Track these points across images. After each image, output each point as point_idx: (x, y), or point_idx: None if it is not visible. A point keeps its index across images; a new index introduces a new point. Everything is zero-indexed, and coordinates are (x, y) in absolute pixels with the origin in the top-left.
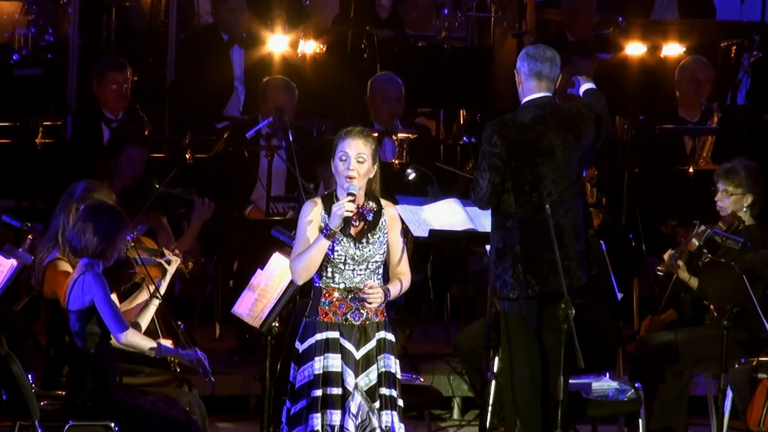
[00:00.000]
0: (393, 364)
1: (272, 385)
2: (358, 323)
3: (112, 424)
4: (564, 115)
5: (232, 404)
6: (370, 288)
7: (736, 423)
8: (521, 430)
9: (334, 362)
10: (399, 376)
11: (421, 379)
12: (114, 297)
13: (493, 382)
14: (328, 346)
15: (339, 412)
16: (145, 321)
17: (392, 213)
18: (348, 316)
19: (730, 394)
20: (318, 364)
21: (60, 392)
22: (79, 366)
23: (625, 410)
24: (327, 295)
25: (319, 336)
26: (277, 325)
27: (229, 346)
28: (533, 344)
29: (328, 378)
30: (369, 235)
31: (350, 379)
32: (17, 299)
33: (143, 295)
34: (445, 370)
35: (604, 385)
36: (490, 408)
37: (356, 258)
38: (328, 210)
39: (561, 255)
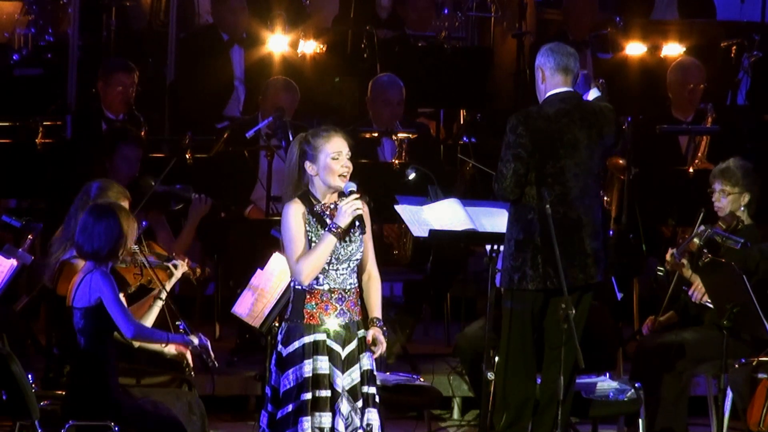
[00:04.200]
0: (372, 362)
1: None
2: (343, 324)
3: (112, 424)
4: (587, 111)
5: (232, 404)
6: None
7: (736, 423)
8: (507, 424)
9: (322, 364)
10: (375, 372)
11: (421, 379)
12: (121, 297)
13: (493, 382)
14: (317, 349)
15: (328, 414)
16: (149, 321)
17: (366, 209)
18: (333, 317)
19: (730, 394)
20: (308, 367)
21: (60, 392)
22: (80, 365)
23: (625, 410)
24: (312, 297)
25: (306, 339)
26: (277, 325)
27: (229, 346)
28: (531, 342)
29: (318, 380)
30: (350, 232)
31: (339, 381)
32: (17, 299)
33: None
34: (445, 370)
35: (604, 385)
36: (489, 408)
37: (341, 257)
38: (310, 210)
39: (578, 250)
